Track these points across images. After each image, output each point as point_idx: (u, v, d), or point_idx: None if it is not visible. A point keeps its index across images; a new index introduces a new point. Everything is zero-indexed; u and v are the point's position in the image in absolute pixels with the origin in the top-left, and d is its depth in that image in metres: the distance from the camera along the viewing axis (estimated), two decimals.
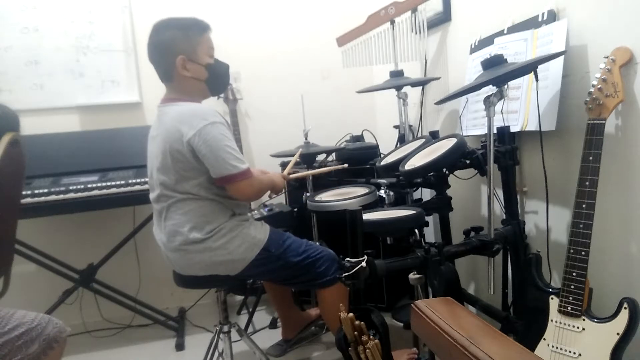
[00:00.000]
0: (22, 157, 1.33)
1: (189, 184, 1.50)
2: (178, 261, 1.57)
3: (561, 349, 1.24)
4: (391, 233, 1.56)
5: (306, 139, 2.15)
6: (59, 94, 2.53)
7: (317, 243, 1.94)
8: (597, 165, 1.19)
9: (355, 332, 1.19)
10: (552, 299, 1.28)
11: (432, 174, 1.70)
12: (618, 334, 1.14)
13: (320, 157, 2.38)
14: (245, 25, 2.82)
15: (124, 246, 2.50)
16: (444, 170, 1.68)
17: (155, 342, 2.38)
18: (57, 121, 2.52)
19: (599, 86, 1.21)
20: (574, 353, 1.21)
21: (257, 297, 2.42)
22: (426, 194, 2.31)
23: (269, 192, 1.70)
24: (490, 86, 1.38)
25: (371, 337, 1.20)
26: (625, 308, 1.14)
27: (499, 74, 1.30)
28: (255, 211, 2.22)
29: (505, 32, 1.70)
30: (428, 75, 2.30)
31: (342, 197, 1.75)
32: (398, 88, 2.09)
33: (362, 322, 1.20)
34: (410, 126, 2.36)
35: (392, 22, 2.22)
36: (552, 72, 1.47)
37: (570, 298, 1.23)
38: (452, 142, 1.54)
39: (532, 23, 1.57)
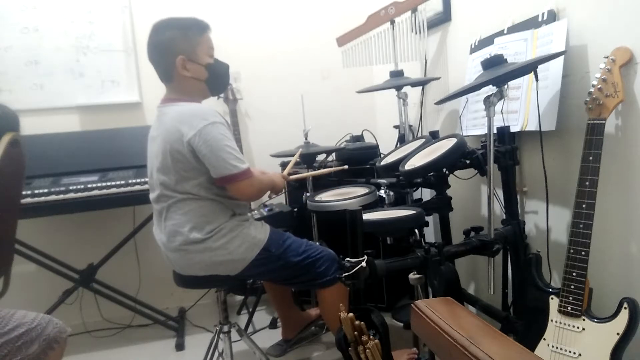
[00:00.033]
0: (22, 157, 1.32)
1: (189, 184, 1.50)
2: (178, 261, 1.57)
3: (561, 349, 1.24)
4: (391, 233, 1.56)
5: (306, 139, 2.15)
6: (59, 94, 2.53)
7: (317, 243, 1.94)
8: (597, 165, 1.19)
9: (355, 332, 1.19)
10: (552, 299, 1.28)
11: (432, 174, 1.70)
12: (618, 334, 1.14)
13: (320, 157, 2.38)
14: (245, 25, 2.82)
15: (124, 246, 2.51)
16: (444, 170, 1.68)
17: (155, 342, 2.38)
18: (57, 121, 2.52)
19: (599, 86, 1.21)
20: (574, 353, 1.21)
21: (257, 297, 2.42)
22: (426, 194, 2.31)
23: (269, 192, 1.71)
24: (490, 86, 1.38)
25: (371, 337, 1.20)
26: (625, 308, 1.14)
27: (499, 74, 1.30)
28: (255, 211, 2.22)
29: (505, 32, 1.69)
30: (428, 75, 2.30)
31: (342, 197, 1.75)
32: (398, 88, 2.09)
33: (362, 322, 1.19)
34: (410, 126, 2.36)
35: (392, 22, 2.22)
36: (552, 72, 1.47)
37: (570, 298, 1.23)
38: (452, 142, 1.54)
39: (532, 23, 1.57)
